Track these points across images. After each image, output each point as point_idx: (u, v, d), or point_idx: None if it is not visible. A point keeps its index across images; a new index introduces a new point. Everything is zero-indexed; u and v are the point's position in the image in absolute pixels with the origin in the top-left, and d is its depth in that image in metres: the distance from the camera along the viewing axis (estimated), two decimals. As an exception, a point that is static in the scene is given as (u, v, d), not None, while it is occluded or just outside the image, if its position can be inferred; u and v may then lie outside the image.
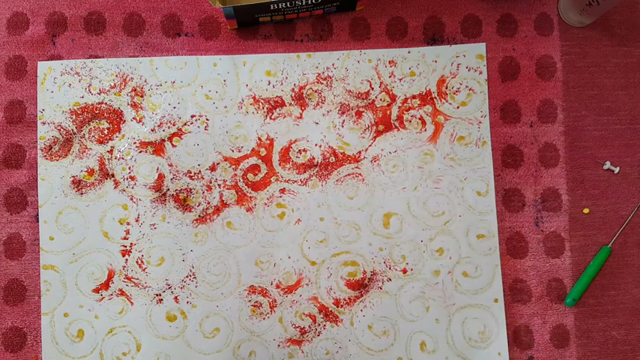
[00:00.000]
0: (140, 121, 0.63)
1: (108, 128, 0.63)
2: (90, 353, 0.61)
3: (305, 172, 0.63)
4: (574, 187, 0.65)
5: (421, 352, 0.62)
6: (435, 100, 0.64)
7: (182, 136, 0.63)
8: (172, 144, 0.63)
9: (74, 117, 0.63)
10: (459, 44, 0.65)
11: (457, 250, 0.63)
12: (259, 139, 0.63)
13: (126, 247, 0.62)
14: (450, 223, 0.63)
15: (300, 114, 0.64)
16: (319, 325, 0.62)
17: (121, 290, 0.62)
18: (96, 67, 0.63)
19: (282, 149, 0.63)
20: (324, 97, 0.64)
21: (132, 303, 0.62)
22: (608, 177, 0.65)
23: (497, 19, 0.65)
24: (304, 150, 0.64)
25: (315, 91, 0.64)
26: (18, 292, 0.62)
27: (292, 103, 0.64)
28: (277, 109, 0.64)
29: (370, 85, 0.64)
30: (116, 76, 0.63)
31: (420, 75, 0.64)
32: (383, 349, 0.62)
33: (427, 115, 0.64)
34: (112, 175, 0.63)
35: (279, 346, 0.62)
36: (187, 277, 0.62)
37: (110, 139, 0.63)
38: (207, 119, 0.63)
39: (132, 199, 0.62)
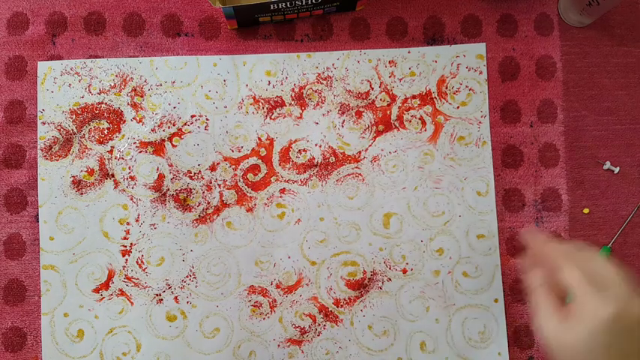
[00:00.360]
0: (140, 121, 0.63)
1: (108, 128, 0.63)
2: (90, 353, 0.61)
3: (305, 172, 0.63)
4: (574, 187, 0.65)
5: (421, 352, 0.62)
6: (435, 100, 0.64)
7: (182, 136, 0.63)
8: (172, 144, 0.63)
9: (74, 117, 0.63)
10: (459, 44, 0.65)
11: (457, 250, 0.63)
12: (259, 139, 0.63)
13: (126, 247, 0.62)
14: (450, 223, 0.63)
15: (300, 114, 0.64)
16: (319, 325, 0.62)
17: (121, 290, 0.62)
18: (96, 67, 0.63)
19: (282, 149, 0.64)
20: (324, 97, 0.64)
21: (132, 303, 0.62)
22: (608, 177, 0.65)
23: (497, 19, 0.65)
24: (304, 150, 0.64)
25: (315, 91, 0.64)
26: (18, 292, 0.62)
27: (292, 103, 0.64)
28: (277, 109, 0.64)
29: (370, 85, 0.64)
30: (116, 76, 0.63)
31: (420, 75, 0.64)
32: (383, 349, 0.62)
33: (427, 115, 0.64)
34: (112, 175, 0.63)
35: (279, 346, 0.62)
36: (187, 277, 0.62)
37: (110, 139, 0.63)
38: (207, 119, 0.63)
39: (132, 199, 0.62)
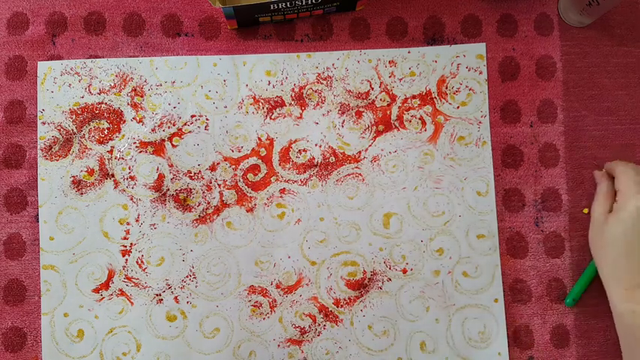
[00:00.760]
0: (140, 121, 0.63)
1: (108, 128, 0.63)
2: (90, 353, 0.61)
3: (305, 172, 0.63)
4: (574, 187, 0.65)
5: (421, 352, 0.62)
6: (435, 100, 0.64)
7: (182, 136, 0.63)
8: (172, 144, 0.63)
9: (74, 117, 0.63)
10: (459, 44, 0.65)
11: (457, 250, 0.63)
12: (259, 139, 0.63)
13: (126, 247, 0.62)
14: (450, 223, 0.63)
15: (300, 114, 0.64)
16: (319, 325, 0.62)
17: (121, 290, 0.62)
18: (96, 67, 0.63)
19: (282, 149, 0.64)
20: (324, 97, 0.64)
21: (132, 303, 0.62)
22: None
23: (497, 19, 0.65)
24: (304, 150, 0.64)
25: (315, 91, 0.64)
26: (18, 292, 0.62)
27: (292, 103, 0.64)
28: (277, 109, 0.64)
29: (370, 85, 0.64)
30: (116, 76, 0.63)
31: (420, 75, 0.64)
32: (383, 349, 0.62)
33: (427, 115, 0.64)
34: (112, 175, 0.63)
35: (279, 346, 0.62)
36: (187, 277, 0.62)
37: (110, 139, 0.63)
38: (207, 119, 0.63)
39: (132, 199, 0.62)
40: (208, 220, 0.63)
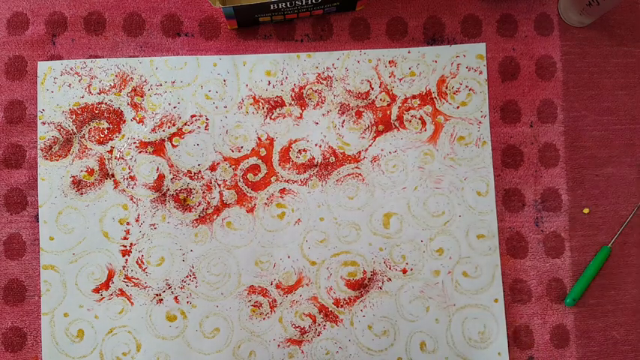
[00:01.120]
0: (140, 121, 0.63)
1: (108, 128, 0.63)
2: (90, 353, 0.61)
3: (305, 172, 0.63)
4: (574, 187, 0.65)
5: (421, 352, 0.62)
6: (435, 100, 0.64)
7: (182, 136, 0.63)
8: (172, 144, 0.63)
9: (74, 117, 0.63)
10: (459, 44, 0.65)
11: (457, 250, 0.63)
12: (259, 139, 0.63)
13: (126, 247, 0.62)
14: (450, 223, 0.63)
15: (300, 114, 0.64)
16: (319, 325, 0.62)
17: (121, 290, 0.62)
18: (96, 67, 0.63)
19: (282, 149, 0.64)
20: (324, 97, 0.64)
21: (132, 303, 0.62)
22: (608, 177, 0.65)
23: (497, 19, 0.65)
24: (304, 150, 0.64)
25: (315, 91, 0.64)
26: (18, 292, 0.62)
27: (292, 103, 0.64)
28: (277, 109, 0.64)
29: (370, 85, 0.64)
30: (116, 76, 0.63)
31: (420, 75, 0.64)
32: (383, 349, 0.62)
33: (427, 115, 0.64)
34: (112, 175, 0.63)
35: (279, 346, 0.62)
36: (187, 277, 0.62)
37: (110, 139, 0.63)
38: (207, 119, 0.63)
39: (132, 199, 0.62)
40: (208, 220, 0.63)
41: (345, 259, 0.63)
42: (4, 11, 0.64)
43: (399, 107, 0.64)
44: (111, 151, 0.63)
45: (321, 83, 0.64)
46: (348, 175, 0.63)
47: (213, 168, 0.63)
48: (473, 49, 0.65)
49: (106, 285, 0.62)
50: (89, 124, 0.63)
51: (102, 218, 0.62)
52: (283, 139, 0.64)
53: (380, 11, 0.65)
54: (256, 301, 0.62)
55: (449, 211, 0.63)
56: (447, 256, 0.63)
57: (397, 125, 0.64)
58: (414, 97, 0.64)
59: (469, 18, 0.65)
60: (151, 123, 0.63)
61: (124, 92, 0.63)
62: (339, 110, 0.64)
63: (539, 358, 0.63)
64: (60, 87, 0.63)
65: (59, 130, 0.63)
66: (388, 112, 0.64)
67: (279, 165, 0.63)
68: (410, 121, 0.64)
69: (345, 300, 0.62)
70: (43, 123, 0.63)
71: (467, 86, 0.64)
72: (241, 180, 0.63)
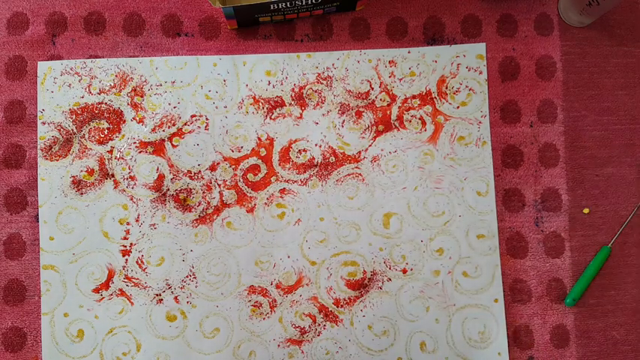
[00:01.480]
0: (140, 121, 0.63)
1: (108, 128, 0.63)
2: (90, 353, 0.61)
3: (305, 172, 0.63)
4: (574, 187, 0.65)
5: (421, 352, 0.62)
6: (435, 100, 0.64)
7: (182, 136, 0.63)
8: (172, 144, 0.63)
9: (74, 117, 0.63)
10: (459, 44, 0.65)
11: (457, 250, 0.63)
12: (259, 139, 0.63)
13: (126, 247, 0.62)
14: (450, 223, 0.63)
15: (300, 114, 0.64)
16: (319, 325, 0.62)
17: (121, 290, 0.62)
18: (96, 67, 0.63)
19: (282, 149, 0.64)
20: (324, 97, 0.64)
21: (132, 303, 0.62)
22: (608, 177, 0.65)
23: (497, 19, 0.65)
24: (304, 150, 0.64)
25: (315, 91, 0.64)
26: (18, 292, 0.62)
27: (292, 103, 0.64)
28: (277, 109, 0.64)
29: (370, 85, 0.64)
30: (116, 76, 0.63)
31: (420, 75, 0.64)
32: (383, 349, 0.62)
33: (427, 115, 0.64)
34: (112, 175, 0.63)
35: (279, 346, 0.62)
36: (187, 277, 0.62)
37: (110, 139, 0.63)
38: (207, 119, 0.63)
39: (132, 199, 0.62)
40: (208, 220, 0.63)
41: (345, 259, 0.63)
42: (4, 11, 0.64)
43: (399, 107, 0.64)
44: (111, 151, 0.63)
45: (321, 83, 0.64)
46: (348, 175, 0.63)
47: (213, 168, 0.63)
48: (473, 49, 0.65)
49: (106, 285, 0.62)
50: (89, 124, 0.63)
51: (102, 218, 0.62)
52: (283, 139, 0.64)
53: (380, 11, 0.65)
54: (256, 301, 0.62)
55: (449, 211, 0.63)
56: (447, 256, 0.63)
57: (397, 125, 0.64)
58: (414, 97, 0.64)
59: (469, 18, 0.65)
60: (151, 123, 0.63)
61: (124, 92, 0.63)
62: (339, 110, 0.64)
63: (539, 358, 0.63)
64: (60, 87, 0.63)
65: (59, 130, 0.63)
66: (388, 112, 0.64)
67: (279, 165, 0.63)
68: (410, 121, 0.64)
69: (345, 300, 0.62)
70: (43, 123, 0.63)
71: (467, 86, 0.64)
72: (241, 180, 0.63)
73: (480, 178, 0.64)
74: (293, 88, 0.64)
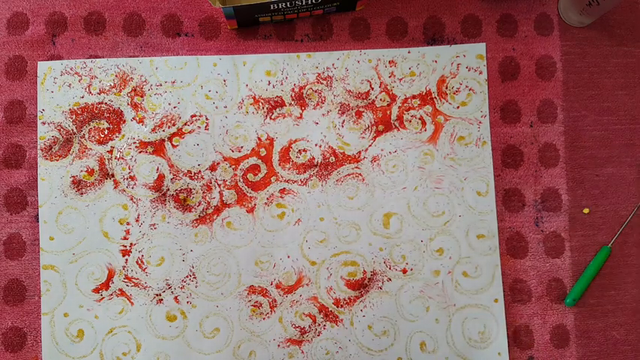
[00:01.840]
0: (140, 121, 0.63)
1: (108, 128, 0.63)
2: (90, 353, 0.61)
3: (305, 172, 0.63)
4: (574, 187, 0.65)
5: (421, 352, 0.62)
6: (435, 100, 0.64)
7: (182, 136, 0.63)
8: (172, 144, 0.63)
9: (74, 117, 0.63)
10: (459, 44, 0.65)
11: (457, 250, 0.63)
12: (259, 139, 0.63)
13: (126, 247, 0.62)
14: (450, 223, 0.63)
15: (300, 114, 0.64)
16: (319, 325, 0.62)
17: (121, 290, 0.62)
18: (96, 67, 0.63)
19: (282, 149, 0.64)
20: (324, 97, 0.64)
21: (132, 303, 0.62)
22: (608, 177, 0.65)
23: (497, 19, 0.65)
24: (304, 150, 0.64)
25: (315, 91, 0.64)
26: (18, 292, 0.62)
27: (292, 103, 0.64)
28: (277, 109, 0.64)
29: (370, 85, 0.64)
30: (116, 76, 0.63)
31: (420, 75, 0.64)
32: (383, 349, 0.62)
33: (427, 115, 0.64)
34: (112, 175, 0.63)
35: (279, 346, 0.62)
36: (187, 277, 0.62)
37: (110, 139, 0.63)
38: (207, 119, 0.63)
39: (132, 199, 0.62)
40: (208, 220, 0.63)
41: (345, 259, 0.63)
42: (4, 11, 0.64)
43: (399, 107, 0.64)
44: (111, 151, 0.63)
45: (321, 83, 0.64)
46: (348, 175, 0.64)
47: (213, 168, 0.63)
48: (473, 49, 0.65)
49: (106, 285, 0.62)
50: (89, 124, 0.63)
51: (102, 218, 0.62)
52: (283, 139, 0.64)
53: (380, 11, 0.65)
54: (256, 301, 0.62)
55: (449, 211, 0.63)
56: (447, 256, 0.63)
57: (397, 125, 0.64)
58: (414, 97, 0.64)
59: (469, 18, 0.65)
60: (151, 123, 0.63)
61: (124, 92, 0.63)
62: (339, 110, 0.64)
63: (539, 358, 0.63)
64: (60, 87, 0.63)
65: (59, 130, 0.63)
66: (388, 112, 0.64)
67: (279, 165, 0.63)
68: (410, 121, 0.64)
69: (345, 300, 0.62)
70: (43, 123, 0.63)
71: (467, 86, 0.64)
72: (241, 180, 0.63)
73: (480, 178, 0.64)
74: (293, 88, 0.64)
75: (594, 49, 0.66)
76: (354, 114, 0.64)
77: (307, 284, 0.62)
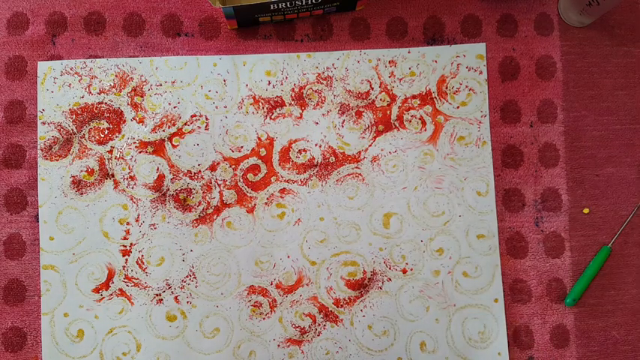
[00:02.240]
0: (140, 121, 0.63)
1: (108, 128, 0.63)
2: (90, 353, 0.61)
3: (305, 172, 0.63)
4: (574, 187, 0.65)
5: (421, 352, 0.62)
6: (435, 100, 0.64)
7: (182, 136, 0.63)
8: (172, 144, 0.63)
9: (74, 117, 0.63)
10: (459, 44, 0.65)
11: (457, 250, 0.63)
12: (259, 139, 0.63)
13: (126, 247, 0.62)
14: (450, 223, 0.63)
15: (300, 114, 0.64)
16: (319, 325, 0.62)
17: (121, 290, 0.62)
18: (96, 67, 0.63)
19: (282, 149, 0.64)
20: (324, 97, 0.64)
21: (132, 303, 0.62)
22: (608, 177, 0.65)
23: (497, 19, 0.65)
24: (304, 150, 0.64)
25: (315, 91, 0.64)
26: (18, 292, 0.62)
27: (292, 103, 0.64)
28: (277, 109, 0.64)
29: (370, 85, 0.64)
30: (116, 76, 0.63)
31: (420, 75, 0.64)
32: (383, 349, 0.62)
33: (427, 115, 0.64)
34: (112, 175, 0.63)
35: (279, 346, 0.62)
36: (187, 277, 0.62)
37: (110, 139, 0.63)
38: (207, 119, 0.63)
39: (132, 199, 0.62)
40: (208, 220, 0.63)
41: (345, 259, 0.63)
42: (4, 11, 0.64)
43: (399, 107, 0.64)
44: (111, 151, 0.63)
45: (321, 83, 0.64)
46: (348, 175, 0.64)
47: (213, 168, 0.63)
48: (473, 49, 0.65)
49: (106, 285, 0.62)
50: (89, 124, 0.63)
51: (102, 218, 0.62)
52: (283, 139, 0.64)
53: (380, 11, 0.65)
54: (256, 301, 0.62)
55: (449, 211, 0.63)
56: (447, 256, 0.63)
57: (397, 125, 0.64)
58: (414, 97, 0.64)
59: (469, 18, 0.65)
60: (151, 123, 0.63)
61: (124, 92, 0.63)
62: (339, 110, 0.64)
63: (539, 358, 0.63)
64: (60, 87, 0.63)
65: (59, 130, 0.63)
66: (388, 112, 0.64)
67: (279, 165, 0.63)
68: (410, 121, 0.64)
69: (345, 300, 0.62)
70: (43, 123, 0.63)
71: (467, 86, 0.64)
72: (241, 180, 0.63)
73: (480, 178, 0.64)
74: (293, 88, 0.64)
75: (594, 49, 0.66)
76: (354, 114, 0.64)
77: (307, 284, 0.62)
